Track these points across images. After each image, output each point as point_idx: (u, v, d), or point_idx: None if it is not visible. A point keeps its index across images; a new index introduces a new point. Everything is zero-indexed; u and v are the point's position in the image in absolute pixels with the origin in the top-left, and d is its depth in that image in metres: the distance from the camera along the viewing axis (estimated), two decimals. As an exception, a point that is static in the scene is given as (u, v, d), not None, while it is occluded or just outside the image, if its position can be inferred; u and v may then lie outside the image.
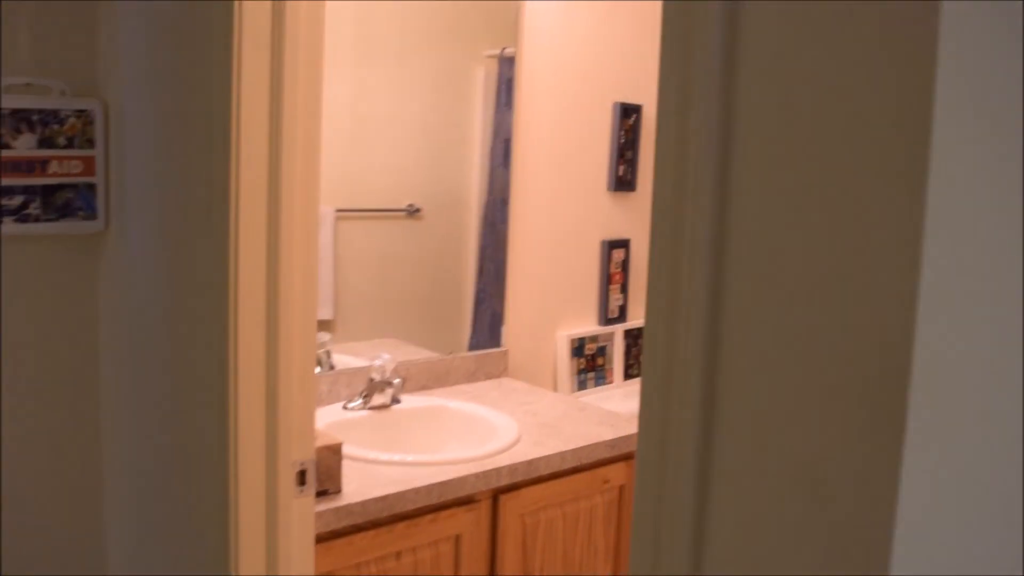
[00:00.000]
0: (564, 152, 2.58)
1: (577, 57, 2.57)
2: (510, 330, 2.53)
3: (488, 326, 2.35)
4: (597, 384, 2.74)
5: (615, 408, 2.59)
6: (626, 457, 2.07)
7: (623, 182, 2.75)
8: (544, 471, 1.89)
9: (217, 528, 1.32)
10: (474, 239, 2.30)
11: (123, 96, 1.57)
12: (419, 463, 1.78)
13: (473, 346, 2.38)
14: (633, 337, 2.85)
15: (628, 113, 2.71)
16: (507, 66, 2.29)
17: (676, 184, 0.66)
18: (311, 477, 1.38)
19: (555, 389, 2.66)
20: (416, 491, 1.68)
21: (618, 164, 2.72)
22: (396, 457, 1.79)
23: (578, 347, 2.68)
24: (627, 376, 2.83)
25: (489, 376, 2.48)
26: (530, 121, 2.48)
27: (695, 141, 0.64)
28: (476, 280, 2.31)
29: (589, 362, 2.72)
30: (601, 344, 2.75)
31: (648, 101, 2.80)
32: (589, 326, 2.75)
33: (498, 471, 1.81)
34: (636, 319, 2.89)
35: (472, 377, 2.44)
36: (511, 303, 2.52)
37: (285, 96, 1.22)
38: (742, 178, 0.62)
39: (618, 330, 2.80)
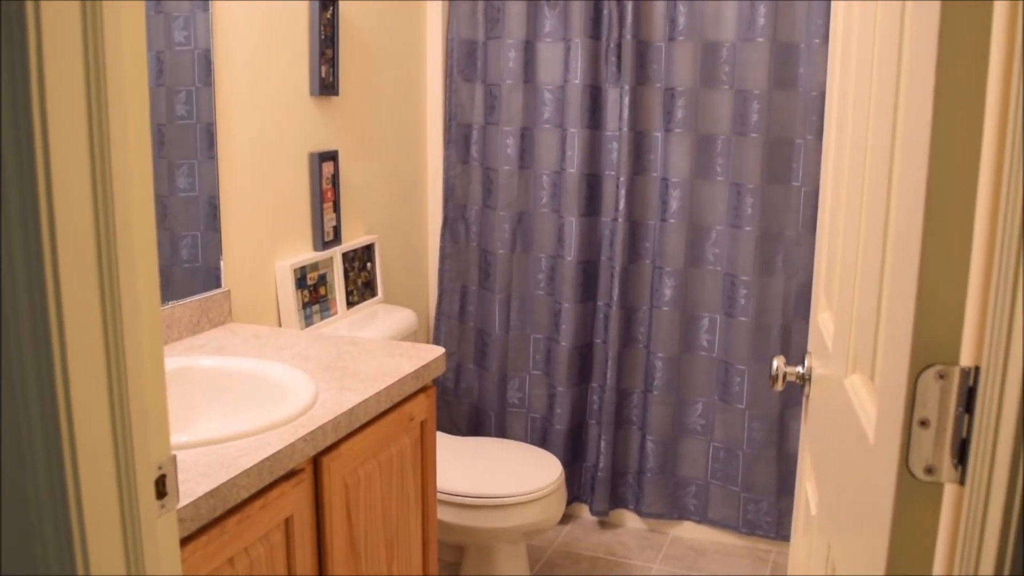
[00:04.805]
0: (264, 54, 2.16)
1: (269, -68, 2.14)
2: (228, 267, 2.09)
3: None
4: (323, 317, 2.41)
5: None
6: (424, 389, 1.83)
7: (326, 85, 2.40)
8: (363, 418, 1.59)
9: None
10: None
11: None
12: (231, 437, 1.37)
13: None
14: (350, 261, 2.55)
15: (326, 5, 2.35)
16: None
17: None
18: (173, 484, 0.96)
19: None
20: (247, 473, 1.29)
21: (320, 64, 2.35)
22: (200, 435, 1.35)
23: (300, 278, 2.32)
24: (349, 304, 2.54)
25: (215, 324, 2.03)
26: (228, 25, 2.01)
27: None
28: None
29: (312, 294, 2.37)
30: (321, 272, 2.42)
31: (343, -9, 2.46)
32: (306, 253, 2.39)
33: (323, 428, 1.46)
34: (351, 240, 2.59)
35: (196, 328, 1.97)
36: (226, 237, 2.07)
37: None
38: None
39: (336, 254, 2.48)
